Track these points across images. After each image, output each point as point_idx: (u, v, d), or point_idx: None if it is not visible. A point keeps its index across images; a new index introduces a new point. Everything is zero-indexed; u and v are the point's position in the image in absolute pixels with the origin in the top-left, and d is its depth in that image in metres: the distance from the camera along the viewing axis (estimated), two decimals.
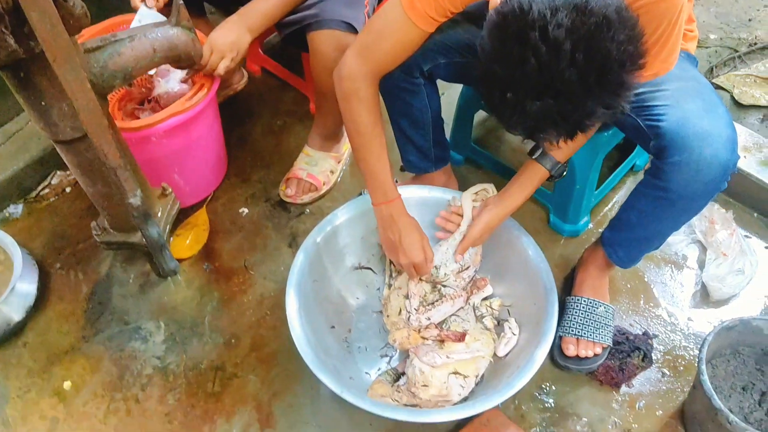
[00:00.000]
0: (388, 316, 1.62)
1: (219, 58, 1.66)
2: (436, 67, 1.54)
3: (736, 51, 2.32)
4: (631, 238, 1.53)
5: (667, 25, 1.19)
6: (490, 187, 1.65)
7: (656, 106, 1.32)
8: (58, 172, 2.07)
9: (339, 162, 2.04)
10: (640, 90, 1.31)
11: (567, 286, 1.75)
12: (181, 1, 1.38)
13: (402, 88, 1.57)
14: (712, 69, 2.25)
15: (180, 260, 1.84)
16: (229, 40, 1.66)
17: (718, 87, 2.16)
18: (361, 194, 1.89)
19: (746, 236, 1.83)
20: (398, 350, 1.61)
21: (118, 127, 1.52)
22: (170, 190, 1.65)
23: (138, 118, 1.82)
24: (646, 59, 1.02)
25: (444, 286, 1.62)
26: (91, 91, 1.14)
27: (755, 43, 2.33)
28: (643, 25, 1.10)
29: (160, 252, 1.48)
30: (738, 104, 2.10)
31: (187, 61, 1.47)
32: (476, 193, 1.64)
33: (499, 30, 1.00)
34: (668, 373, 1.61)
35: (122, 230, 1.58)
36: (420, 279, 1.61)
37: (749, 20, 2.46)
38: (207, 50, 1.64)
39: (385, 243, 1.57)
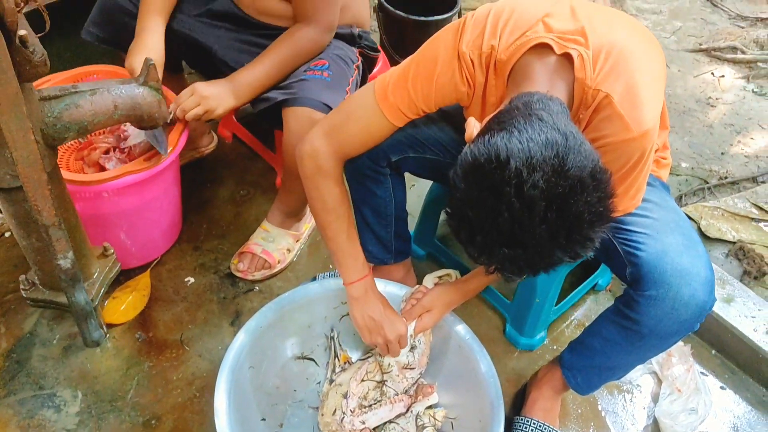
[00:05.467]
0: (322, 414, 1.52)
1: (195, 103, 1.62)
2: (404, 159, 1.50)
3: (707, 182, 2.34)
4: (592, 366, 1.46)
5: (635, 164, 1.17)
6: (454, 273, 1.59)
7: (636, 232, 1.29)
8: None
9: (297, 241, 1.96)
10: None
11: (516, 403, 1.67)
12: (152, 62, 1.33)
13: (367, 176, 1.52)
14: (681, 197, 2.26)
15: (112, 325, 1.73)
16: (214, 92, 1.64)
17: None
18: (315, 279, 1.82)
19: (702, 373, 1.78)
20: None
21: (67, 180, 1.44)
22: (112, 251, 1.55)
23: (103, 167, 1.74)
24: (615, 215, 1.00)
25: (385, 381, 1.52)
26: (35, 143, 1.07)
27: (726, 177, 2.36)
28: (611, 162, 1.08)
29: (85, 320, 1.37)
30: (704, 236, 2.09)
31: (149, 122, 1.41)
32: (440, 277, 1.58)
33: (474, 176, 0.97)
34: None
35: (52, 288, 1.48)
36: (366, 377, 1.52)
37: (722, 154, 2.50)
38: (188, 92, 1.63)
39: (363, 324, 1.48)
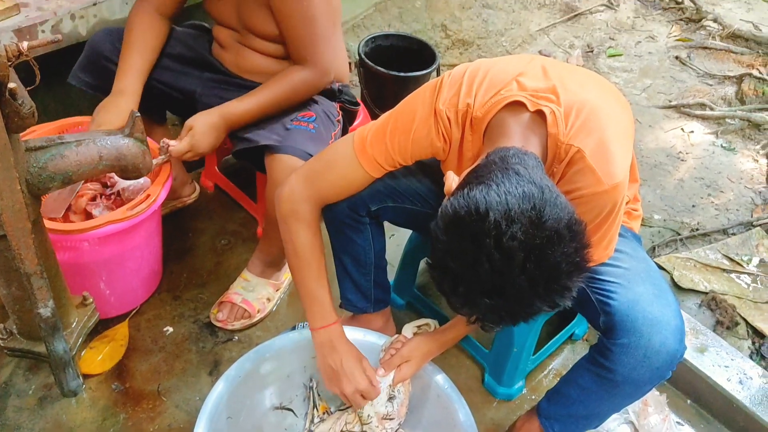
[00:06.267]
0: None
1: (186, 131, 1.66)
2: (383, 209, 1.53)
3: (679, 234, 2.40)
4: (569, 414, 1.48)
5: (608, 215, 1.22)
6: (433, 323, 1.60)
7: (608, 281, 1.33)
8: None
9: (277, 290, 1.97)
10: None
11: None
12: (137, 114, 1.36)
13: (346, 224, 1.55)
14: (654, 248, 2.32)
15: (89, 376, 1.71)
16: (200, 133, 1.66)
17: (659, 267, 2.21)
18: (294, 328, 1.82)
19: (678, 423, 1.80)
20: None
21: (49, 228, 1.45)
22: (91, 300, 1.56)
23: (90, 214, 1.74)
24: (590, 265, 1.03)
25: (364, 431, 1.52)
26: (20, 193, 1.09)
27: (697, 229, 2.42)
28: (584, 213, 1.12)
29: (63, 370, 1.36)
30: (677, 286, 2.13)
31: (134, 173, 1.43)
32: (418, 326, 1.59)
33: (454, 228, 1.00)
34: None
35: (30, 338, 1.47)
36: (344, 428, 1.51)
37: (692, 206, 2.57)
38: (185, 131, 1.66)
39: (324, 372, 1.48)
